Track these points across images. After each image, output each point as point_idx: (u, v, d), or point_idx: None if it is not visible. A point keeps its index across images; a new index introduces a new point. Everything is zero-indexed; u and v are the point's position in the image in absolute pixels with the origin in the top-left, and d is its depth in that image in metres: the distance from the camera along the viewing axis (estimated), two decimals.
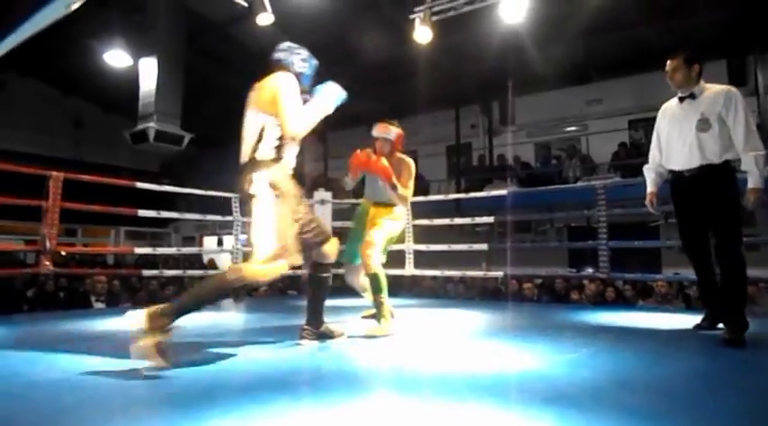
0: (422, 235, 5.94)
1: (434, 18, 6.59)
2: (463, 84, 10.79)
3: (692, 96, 2.83)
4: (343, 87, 2.58)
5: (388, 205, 3.34)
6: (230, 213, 5.36)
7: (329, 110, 2.54)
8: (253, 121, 2.45)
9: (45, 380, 1.95)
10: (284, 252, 2.29)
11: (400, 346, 2.79)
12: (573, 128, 10.71)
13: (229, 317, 4.10)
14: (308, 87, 2.60)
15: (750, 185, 2.73)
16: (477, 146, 11.71)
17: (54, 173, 4.13)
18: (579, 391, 1.79)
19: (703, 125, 2.74)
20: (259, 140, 2.40)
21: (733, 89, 2.77)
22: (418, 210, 5.97)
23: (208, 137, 11.73)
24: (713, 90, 2.81)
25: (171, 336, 2.07)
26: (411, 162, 3.36)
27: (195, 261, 9.81)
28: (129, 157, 13.12)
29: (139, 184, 4.88)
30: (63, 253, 6.99)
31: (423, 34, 6.56)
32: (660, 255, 8.74)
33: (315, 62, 2.68)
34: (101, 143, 13.35)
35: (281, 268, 2.29)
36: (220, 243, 12.22)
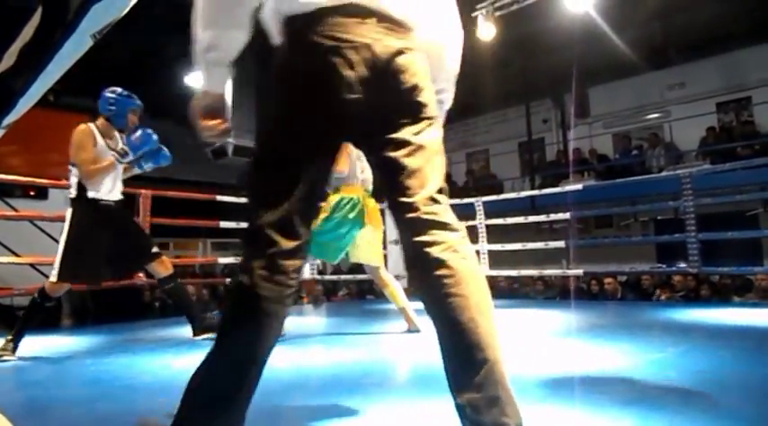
0: (496, 234, 5.84)
1: (498, 13, 6.48)
2: (532, 79, 10.49)
3: None
4: None
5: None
6: None
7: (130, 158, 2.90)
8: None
9: (140, 383, 2.11)
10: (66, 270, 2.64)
11: None
12: (654, 116, 10.10)
13: (309, 321, 4.22)
14: (123, 125, 2.97)
15: None
16: (550, 141, 11.34)
17: (143, 191, 4.45)
18: (665, 392, 1.69)
19: None
20: (68, 180, 2.84)
21: None
22: (491, 209, 5.86)
23: None
24: None
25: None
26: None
27: None
28: (213, 173, 13.83)
29: (219, 197, 5.14)
30: None
31: (486, 31, 6.46)
32: (761, 246, 8.05)
33: (129, 101, 2.99)
34: (188, 161, 14.13)
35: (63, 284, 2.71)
36: None
